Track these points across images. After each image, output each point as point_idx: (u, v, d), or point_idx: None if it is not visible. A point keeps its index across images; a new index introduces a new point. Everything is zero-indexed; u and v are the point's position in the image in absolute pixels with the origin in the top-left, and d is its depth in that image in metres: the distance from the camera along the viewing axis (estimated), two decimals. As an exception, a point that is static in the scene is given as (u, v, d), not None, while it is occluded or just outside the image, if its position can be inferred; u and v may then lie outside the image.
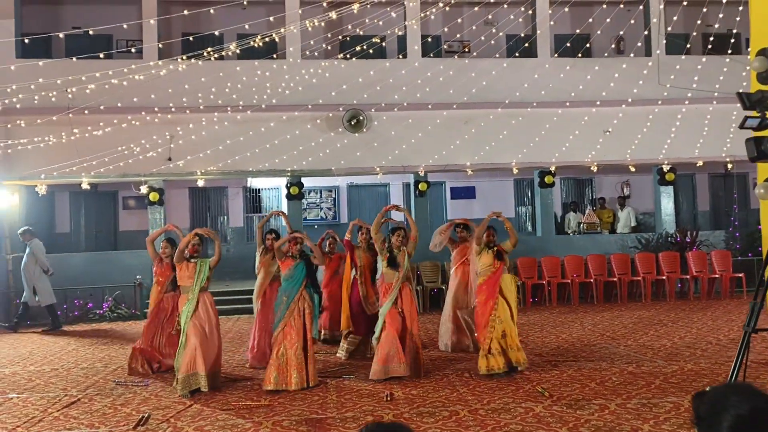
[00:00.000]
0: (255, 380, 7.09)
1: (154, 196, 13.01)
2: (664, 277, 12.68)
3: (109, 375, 7.60)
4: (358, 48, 12.02)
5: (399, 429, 1.78)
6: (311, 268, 6.95)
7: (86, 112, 11.85)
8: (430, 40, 13.42)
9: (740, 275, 12.58)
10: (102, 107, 11.88)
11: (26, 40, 11.73)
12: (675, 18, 12.73)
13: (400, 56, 13.36)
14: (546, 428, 5.06)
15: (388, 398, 6.12)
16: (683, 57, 13.27)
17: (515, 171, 13.94)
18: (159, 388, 6.87)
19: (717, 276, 12.75)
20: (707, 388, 1.57)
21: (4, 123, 11.85)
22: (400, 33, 13.28)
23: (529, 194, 16.91)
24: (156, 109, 12.30)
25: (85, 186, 12.64)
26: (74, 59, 11.31)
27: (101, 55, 11.03)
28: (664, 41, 13.47)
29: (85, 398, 6.51)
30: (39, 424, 5.68)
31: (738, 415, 1.47)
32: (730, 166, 14.31)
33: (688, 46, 13.35)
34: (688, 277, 12.78)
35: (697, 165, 14.10)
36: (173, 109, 12.41)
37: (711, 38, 12.45)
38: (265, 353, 7.47)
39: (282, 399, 6.23)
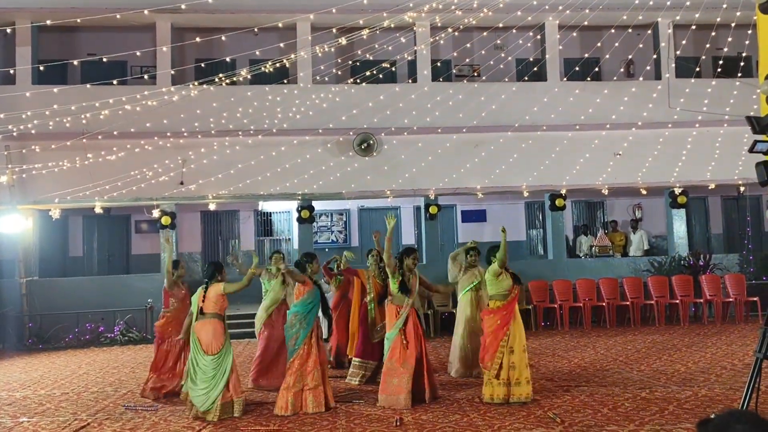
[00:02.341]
0: (264, 405, 7.07)
1: (166, 220, 13.09)
2: (677, 301, 12.54)
3: (119, 399, 7.59)
4: (368, 73, 12.14)
5: None
6: (322, 293, 7.01)
7: (100, 137, 12.02)
8: (439, 64, 13.51)
9: (755, 299, 12.42)
10: (115, 132, 12.04)
11: (41, 68, 11.95)
12: (684, 41, 12.78)
13: (410, 80, 13.48)
14: (557, 455, 4.99)
15: (398, 423, 6.06)
16: (693, 80, 13.26)
17: (526, 194, 13.94)
18: (168, 413, 6.85)
19: (731, 300, 12.60)
20: (711, 416, 1.55)
21: (20, 148, 12.03)
22: (410, 58, 13.42)
23: (540, 217, 16.85)
24: (168, 133, 12.46)
25: (98, 210, 12.76)
26: (88, 86, 11.50)
27: (115, 82, 11.21)
28: (674, 64, 13.51)
29: (94, 423, 6.51)
30: (48, 448, 5.68)
31: (743, 444, 1.45)
32: (742, 188, 14.24)
33: (698, 69, 13.36)
34: (701, 300, 12.64)
35: (710, 188, 14.02)
36: (185, 134, 12.55)
37: (721, 61, 12.46)
38: (269, 370, 7.70)
39: (291, 424, 6.20)
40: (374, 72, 12.14)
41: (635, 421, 5.85)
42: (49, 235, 14.34)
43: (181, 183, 12.63)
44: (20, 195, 12.31)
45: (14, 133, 11.33)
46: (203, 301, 6.64)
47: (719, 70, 12.68)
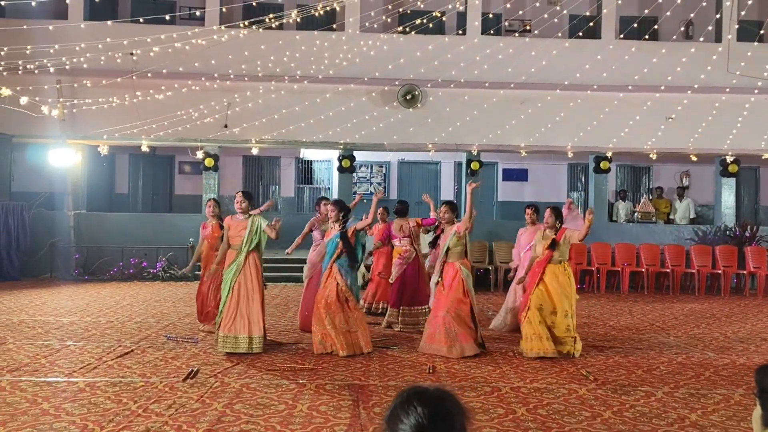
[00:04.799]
0: (300, 345, 7.23)
1: (209, 162, 13.25)
2: (719, 271, 12.30)
3: (161, 330, 7.85)
4: (417, 21, 11.92)
5: (444, 397, 1.49)
6: (346, 241, 6.95)
7: (149, 75, 12.13)
8: (491, 16, 13.20)
9: (801, 274, 12.11)
10: (164, 71, 12.13)
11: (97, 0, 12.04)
12: (750, 2, 12.19)
13: (460, 32, 13.20)
14: (589, 410, 5.01)
15: (431, 371, 6.15)
16: (755, 44, 12.71)
17: (570, 155, 13.69)
18: (208, 346, 7.06)
19: (776, 273, 12.31)
20: (773, 361, 1.52)
21: (71, 83, 12.23)
22: (460, 8, 13.11)
23: (583, 180, 16.58)
24: (216, 75, 12.50)
25: (144, 149, 12.97)
26: (141, 20, 11.54)
27: (167, 17, 11.22)
28: (736, 27, 12.93)
29: (138, 350, 6.75)
30: (94, 370, 5.91)
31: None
32: (797, 160, 13.75)
33: (761, 32, 12.78)
34: (744, 272, 12.37)
35: (762, 158, 13.57)
36: (232, 76, 12.58)
37: (787, 25, 11.90)
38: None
39: (326, 364, 6.33)
40: (423, 21, 11.91)
41: (669, 383, 5.82)
42: (96, 171, 14.71)
43: (225, 126, 12.73)
44: (70, 129, 12.57)
45: (67, 66, 11.50)
46: None
47: (784, 35, 12.12)
